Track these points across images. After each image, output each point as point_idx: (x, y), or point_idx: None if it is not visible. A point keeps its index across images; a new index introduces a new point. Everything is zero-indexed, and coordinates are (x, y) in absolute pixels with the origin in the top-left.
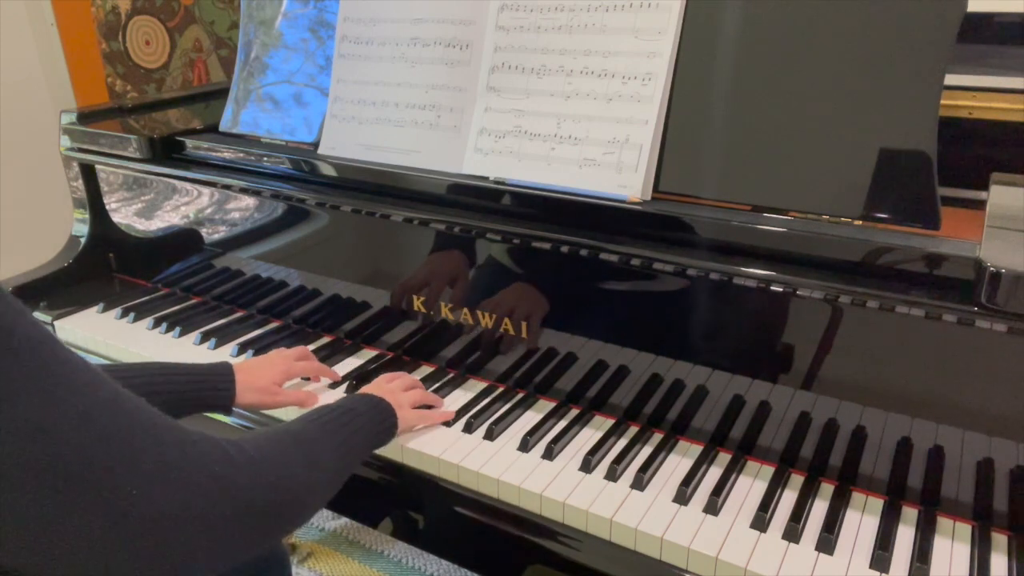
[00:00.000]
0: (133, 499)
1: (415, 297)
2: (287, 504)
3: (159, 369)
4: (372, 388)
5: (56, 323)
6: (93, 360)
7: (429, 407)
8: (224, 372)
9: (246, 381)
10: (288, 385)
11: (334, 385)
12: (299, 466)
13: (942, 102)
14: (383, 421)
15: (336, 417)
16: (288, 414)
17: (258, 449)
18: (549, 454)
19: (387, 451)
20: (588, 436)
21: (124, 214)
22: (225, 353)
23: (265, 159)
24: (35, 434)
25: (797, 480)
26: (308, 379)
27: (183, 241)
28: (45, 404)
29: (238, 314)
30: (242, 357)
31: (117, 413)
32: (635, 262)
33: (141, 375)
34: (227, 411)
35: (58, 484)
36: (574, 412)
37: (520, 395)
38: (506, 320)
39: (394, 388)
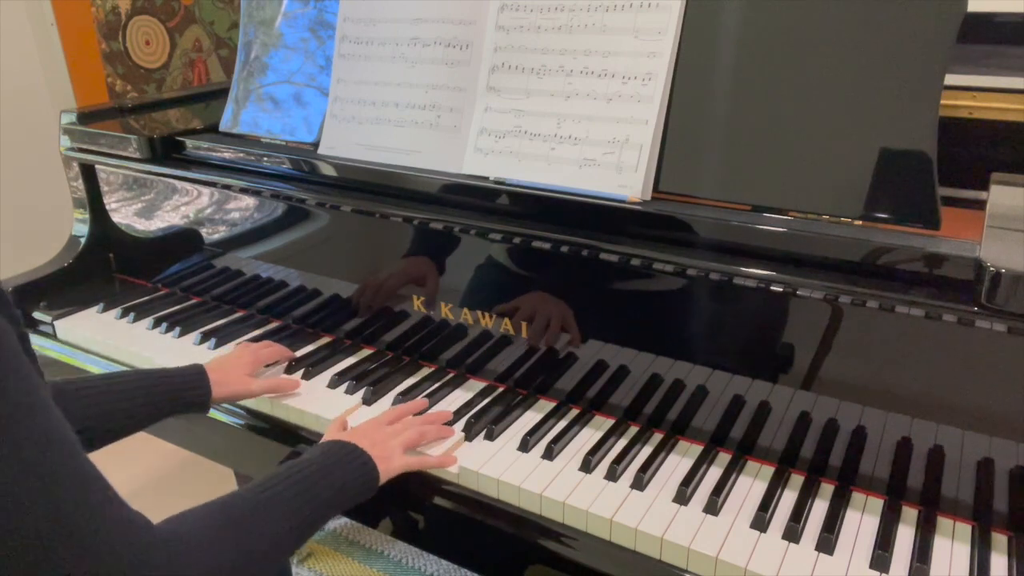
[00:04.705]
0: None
1: (415, 297)
2: None
3: (135, 379)
4: (365, 433)
5: (56, 323)
6: (92, 361)
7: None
8: (198, 374)
9: (219, 379)
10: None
11: (334, 384)
12: (237, 553)
13: (942, 102)
14: (359, 480)
15: (300, 480)
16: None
17: (192, 536)
18: (549, 454)
19: None
20: (588, 436)
21: (124, 214)
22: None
23: (265, 159)
24: None
25: (797, 480)
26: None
27: (183, 241)
28: None
29: (238, 314)
30: None
31: (56, 480)
32: (635, 262)
33: (118, 385)
34: (204, 410)
35: None
36: (574, 412)
37: (520, 395)
38: (506, 320)
39: (388, 434)
